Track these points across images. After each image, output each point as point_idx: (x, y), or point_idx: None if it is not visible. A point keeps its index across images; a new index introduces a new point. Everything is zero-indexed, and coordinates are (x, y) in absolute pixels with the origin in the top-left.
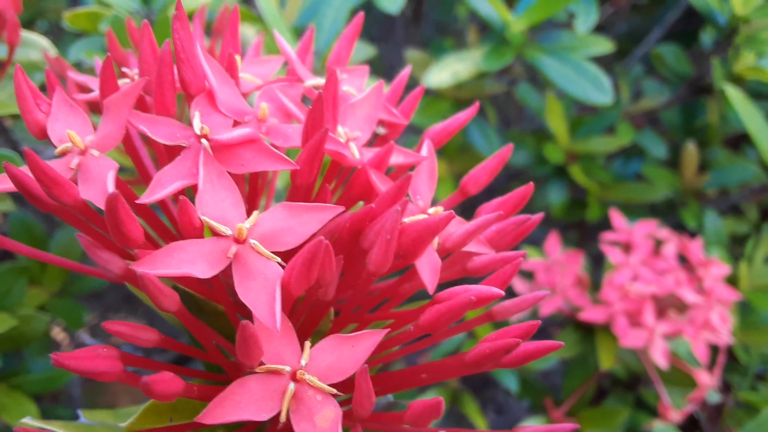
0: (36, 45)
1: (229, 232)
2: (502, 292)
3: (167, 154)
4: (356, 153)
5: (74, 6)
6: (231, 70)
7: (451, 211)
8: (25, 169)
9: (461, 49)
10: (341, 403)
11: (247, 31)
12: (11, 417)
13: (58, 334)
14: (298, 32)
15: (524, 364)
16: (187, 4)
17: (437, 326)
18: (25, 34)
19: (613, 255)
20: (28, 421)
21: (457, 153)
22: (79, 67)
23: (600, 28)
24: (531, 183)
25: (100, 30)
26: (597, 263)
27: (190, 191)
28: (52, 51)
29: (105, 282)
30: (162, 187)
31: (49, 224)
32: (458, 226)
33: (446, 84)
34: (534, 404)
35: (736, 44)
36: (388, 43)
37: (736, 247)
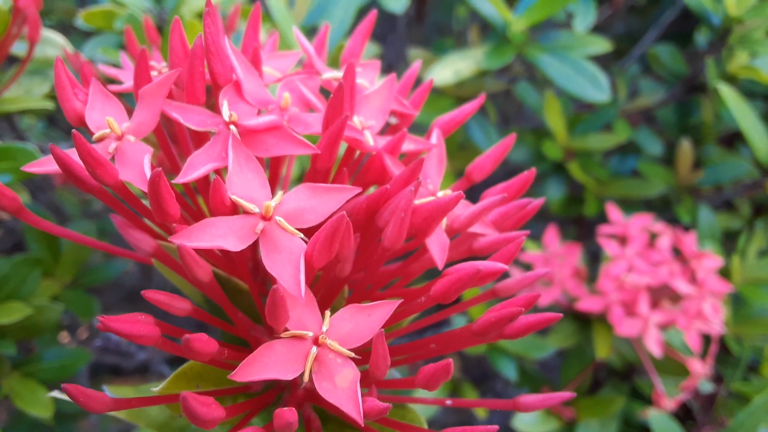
0: (53, 42)
1: (256, 209)
2: (507, 267)
3: (195, 141)
4: (371, 140)
5: (83, 5)
6: (255, 62)
7: (460, 191)
8: (70, 152)
9: (463, 47)
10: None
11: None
12: (25, 404)
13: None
14: (306, 31)
15: (526, 335)
16: (197, 4)
17: (447, 296)
18: (45, 32)
19: (609, 247)
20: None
21: (457, 150)
22: (91, 63)
23: (598, 29)
24: (533, 168)
25: (115, 28)
26: (594, 259)
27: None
28: (69, 48)
29: (113, 274)
30: (195, 168)
31: (59, 218)
32: (465, 209)
33: (448, 81)
34: (532, 393)
35: (730, 44)
36: (389, 42)
37: (729, 242)
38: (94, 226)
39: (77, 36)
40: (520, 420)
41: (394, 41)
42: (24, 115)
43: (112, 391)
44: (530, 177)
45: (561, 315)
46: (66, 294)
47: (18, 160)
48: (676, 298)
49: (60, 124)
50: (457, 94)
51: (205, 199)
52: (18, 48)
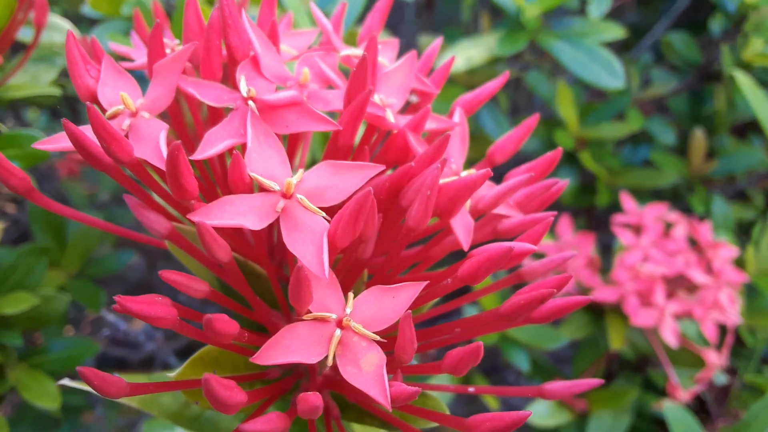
0: (60, 28)
1: (277, 187)
2: (536, 248)
3: (211, 118)
4: (392, 118)
5: None
6: (273, 37)
7: (488, 170)
8: (84, 128)
9: (474, 35)
10: None
11: (256, 12)
12: (31, 395)
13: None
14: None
15: (554, 319)
16: None
17: (476, 277)
18: (51, 18)
19: (624, 236)
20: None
21: (469, 139)
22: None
23: (608, 18)
24: (560, 148)
25: (123, 13)
26: (606, 250)
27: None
28: (76, 33)
29: (120, 265)
30: (212, 145)
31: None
32: (489, 189)
33: (460, 69)
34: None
35: (745, 31)
36: (397, 31)
37: (742, 233)
38: (101, 216)
39: (84, 24)
40: (534, 410)
41: (404, 30)
42: (28, 108)
43: (128, 379)
44: (556, 157)
45: (589, 299)
46: (72, 284)
47: (25, 147)
48: (692, 288)
49: (64, 116)
50: (468, 82)
51: (219, 178)
52: (24, 34)
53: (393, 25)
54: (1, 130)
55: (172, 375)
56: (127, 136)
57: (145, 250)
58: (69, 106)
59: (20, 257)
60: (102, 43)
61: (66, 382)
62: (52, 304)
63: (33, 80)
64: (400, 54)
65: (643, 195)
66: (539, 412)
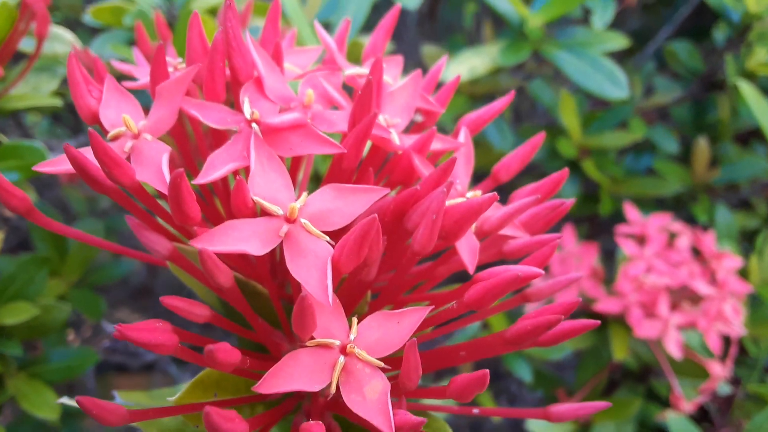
0: (61, 38)
1: (280, 211)
2: (543, 272)
3: (214, 140)
4: (397, 139)
5: (89, 1)
6: (276, 58)
7: (494, 193)
8: (84, 150)
9: (476, 44)
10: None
11: (259, 23)
12: (31, 405)
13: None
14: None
15: (561, 342)
16: (207, 0)
17: (483, 302)
18: (53, 29)
19: (627, 247)
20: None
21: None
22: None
23: (610, 26)
24: (566, 169)
25: (124, 24)
26: (608, 259)
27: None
28: (78, 44)
29: (121, 273)
30: (215, 169)
31: (65, 216)
32: (495, 210)
33: (463, 78)
34: (547, 395)
35: (749, 41)
36: (399, 40)
37: (746, 242)
38: (101, 225)
39: (84, 33)
40: (535, 423)
41: (406, 37)
42: (29, 113)
43: (122, 396)
44: (563, 177)
45: (598, 322)
46: (73, 293)
47: (26, 159)
48: (695, 299)
49: (65, 121)
50: (471, 92)
51: (222, 201)
52: (26, 44)
53: (395, 32)
54: (1, 141)
55: (172, 399)
56: (129, 158)
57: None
58: (70, 110)
59: (20, 267)
60: (103, 53)
61: (65, 400)
62: (52, 313)
63: (34, 90)
64: (405, 66)
65: (646, 204)
66: (542, 422)
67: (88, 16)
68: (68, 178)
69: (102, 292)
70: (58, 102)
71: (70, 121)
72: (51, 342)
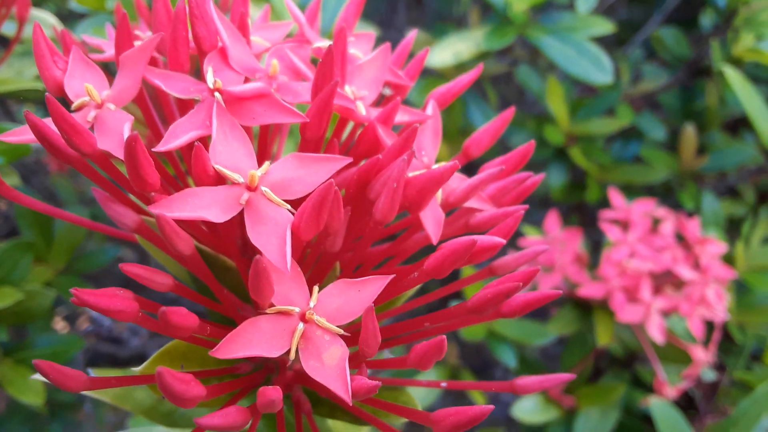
0: (44, 22)
1: (241, 180)
2: (504, 241)
3: (180, 110)
4: (363, 110)
5: None
6: (242, 28)
7: (456, 161)
8: (46, 121)
9: (463, 30)
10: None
11: (253, 13)
12: (16, 391)
13: (57, 323)
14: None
15: (524, 313)
16: None
17: (441, 270)
18: (34, 12)
19: (611, 232)
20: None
21: (457, 135)
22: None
23: (601, 14)
24: (532, 141)
25: (107, 8)
26: (596, 247)
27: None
28: (59, 27)
29: (107, 260)
30: (176, 137)
31: (53, 204)
32: (461, 182)
33: (448, 63)
34: None
35: (736, 26)
36: (389, 27)
37: (733, 229)
38: (87, 212)
39: (74, 22)
40: (520, 408)
41: (395, 26)
42: (21, 104)
43: (96, 373)
44: (529, 149)
45: (560, 292)
46: (59, 280)
47: (7, 143)
48: (679, 284)
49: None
50: (456, 77)
51: (190, 170)
52: (7, 29)
53: (384, 21)
54: None
55: (137, 369)
56: (92, 128)
57: (134, 245)
58: (60, 99)
59: (5, 252)
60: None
61: (38, 377)
62: (38, 299)
63: (18, 75)
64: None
65: (634, 191)
66: (527, 408)
67: (74, 2)
68: (57, 165)
69: (91, 282)
70: (41, 85)
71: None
72: (37, 328)
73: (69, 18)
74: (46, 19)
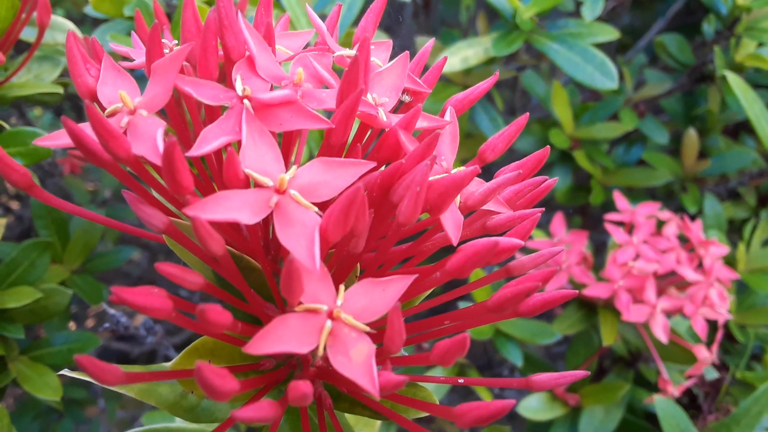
0: (63, 27)
1: (270, 183)
2: (523, 243)
3: (207, 117)
4: (384, 117)
5: None
6: (268, 38)
7: (476, 166)
8: (83, 126)
9: (470, 36)
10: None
11: None
12: (33, 387)
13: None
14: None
15: (541, 312)
16: None
17: (463, 270)
18: (53, 17)
19: (616, 234)
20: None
21: (464, 138)
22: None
23: (604, 21)
24: (548, 147)
25: (125, 14)
26: (601, 249)
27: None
28: (79, 33)
29: (121, 260)
30: (208, 142)
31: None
32: (479, 186)
33: (456, 69)
34: None
35: (738, 33)
36: (395, 33)
37: (734, 232)
38: (102, 213)
39: (88, 25)
40: (526, 406)
41: (402, 32)
42: (32, 108)
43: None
44: (545, 155)
45: (576, 292)
46: (74, 279)
47: (27, 145)
48: (682, 285)
49: (67, 115)
50: (464, 83)
51: (215, 175)
52: (27, 34)
53: (390, 27)
54: (3, 127)
55: (168, 365)
56: (125, 133)
57: (146, 246)
58: (72, 105)
59: (23, 252)
60: (103, 43)
61: (66, 372)
62: (54, 298)
63: (36, 79)
64: (396, 55)
65: (637, 194)
66: (532, 406)
67: (90, 8)
68: (70, 167)
69: (103, 282)
70: (59, 89)
71: (72, 116)
72: (53, 327)
73: (79, 23)
74: (65, 24)
